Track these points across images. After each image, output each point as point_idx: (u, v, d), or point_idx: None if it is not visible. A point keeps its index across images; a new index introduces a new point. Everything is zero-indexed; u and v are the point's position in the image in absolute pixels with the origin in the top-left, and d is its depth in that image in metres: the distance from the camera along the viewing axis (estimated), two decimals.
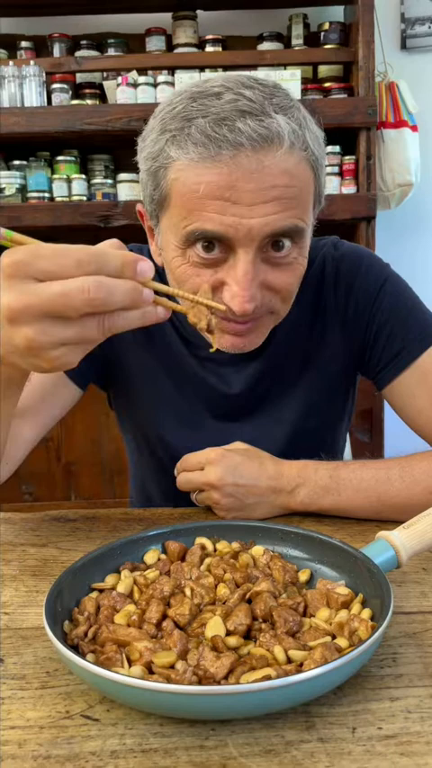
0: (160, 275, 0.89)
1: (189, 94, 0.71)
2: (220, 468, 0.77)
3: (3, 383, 0.64)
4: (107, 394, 1.02)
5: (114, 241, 0.59)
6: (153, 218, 0.79)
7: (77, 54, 2.29)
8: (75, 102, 2.25)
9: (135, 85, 2.20)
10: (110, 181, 2.27)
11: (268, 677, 0.44)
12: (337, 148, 2.23)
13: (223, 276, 0.73)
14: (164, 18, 2.30)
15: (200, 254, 0.72)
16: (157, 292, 0.54)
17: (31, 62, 2.21)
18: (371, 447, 1.91)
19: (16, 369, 0.61)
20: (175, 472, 0.83)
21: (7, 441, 0.76)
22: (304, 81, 2.23)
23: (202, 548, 0.64)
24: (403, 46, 2.44)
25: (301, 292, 0.86)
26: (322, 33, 2.29)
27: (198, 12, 2.30)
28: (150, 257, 0.91)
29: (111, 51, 2.30)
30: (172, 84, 2.17)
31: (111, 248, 0.54)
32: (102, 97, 2.30)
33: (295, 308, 0.85)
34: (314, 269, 0.90)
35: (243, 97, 0.68)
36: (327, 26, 2.29)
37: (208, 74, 2.17)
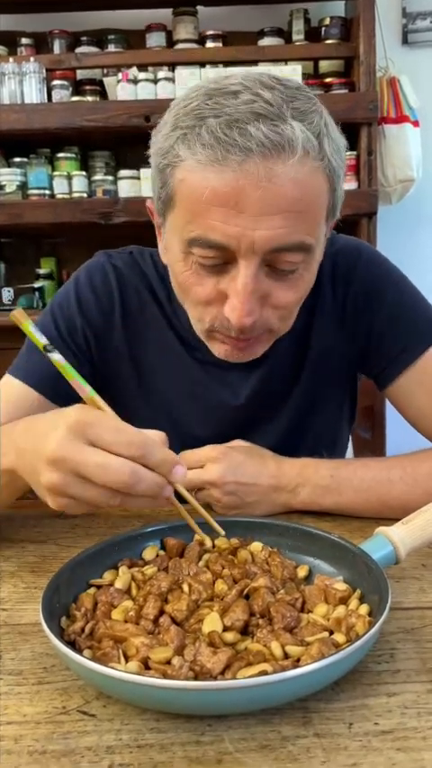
0: (163, 278, 0.88)
1: (205, 90, 0.67)
2: (222, 466, 0.77)
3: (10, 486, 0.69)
4: None
5: (161, 434, 0.57)
6: (160, 215, 0.76)
7: (78, 50, 2.28)
8: (75, 98, 2.25)
9: (135, 82, 2.19)
10: (110, 177, 2.27)
11: (265, 672, 0.44)
12: None
13: (225, 287, 0.71)
14: (164, 14, 2.29)
15: (201, 261, 0.70)
16: (177, 494, 0.57)
17: (32, 59, 2.20)
18: (372, 443, 1.91)
19: (24, 483, 0.65)
20: None
21: None
22: (305, 76, 2.22)
23: (201, 544, 0.64)
24: (404, 41, 2.43)
25: None
26: (323, 28, 2.28)
27: (198, 7, 2.29)
28: (152, 260, 0.90)
29: (111, 48, 2.30)
30: (172, 80, 2.16)
31: (159, 440, 0.56)
32: (102, 94, 2.30)
33: None
34: None
35: (260, 98, 0.63)
36: (328, 21, 2.28)
37: (208, 69, 2.16)
